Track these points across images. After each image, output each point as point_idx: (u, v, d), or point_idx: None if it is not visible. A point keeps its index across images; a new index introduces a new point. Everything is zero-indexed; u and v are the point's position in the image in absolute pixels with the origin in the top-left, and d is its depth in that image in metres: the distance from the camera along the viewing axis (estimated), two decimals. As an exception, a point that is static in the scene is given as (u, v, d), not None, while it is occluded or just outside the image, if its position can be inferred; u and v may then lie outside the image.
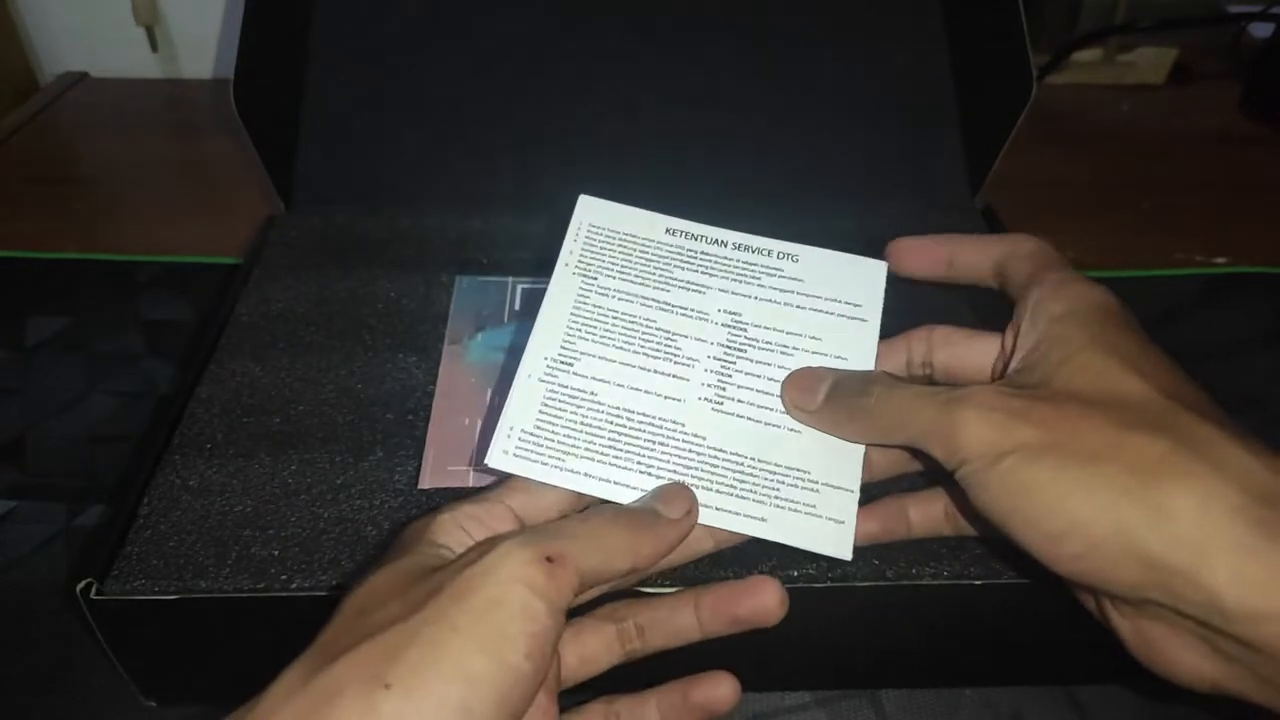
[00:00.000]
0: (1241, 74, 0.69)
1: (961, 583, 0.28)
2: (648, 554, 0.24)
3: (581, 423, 0.27)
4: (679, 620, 0.27)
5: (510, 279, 0.41)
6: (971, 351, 0.28)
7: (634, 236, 0.31)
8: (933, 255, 0.29)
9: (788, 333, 0.30)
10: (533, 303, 0.37)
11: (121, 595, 0.28)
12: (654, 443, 0.27)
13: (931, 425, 0.24)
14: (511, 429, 0.27)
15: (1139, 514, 0.21)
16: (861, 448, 0.28)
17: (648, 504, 0.25)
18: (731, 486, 0.27)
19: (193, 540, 0.29)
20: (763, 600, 0.26)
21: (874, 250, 0.31)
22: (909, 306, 0.30)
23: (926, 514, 0.29)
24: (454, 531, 0.23)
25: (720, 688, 0.26)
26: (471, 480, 0.32)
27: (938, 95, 0.49)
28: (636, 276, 0.30)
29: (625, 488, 0.26)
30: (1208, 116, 0.67)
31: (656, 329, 0.29)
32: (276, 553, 0.29)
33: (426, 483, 0.31)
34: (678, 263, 0.31)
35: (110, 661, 0.29)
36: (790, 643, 0.31)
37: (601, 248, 0.31)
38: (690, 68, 0.49)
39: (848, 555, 0.26)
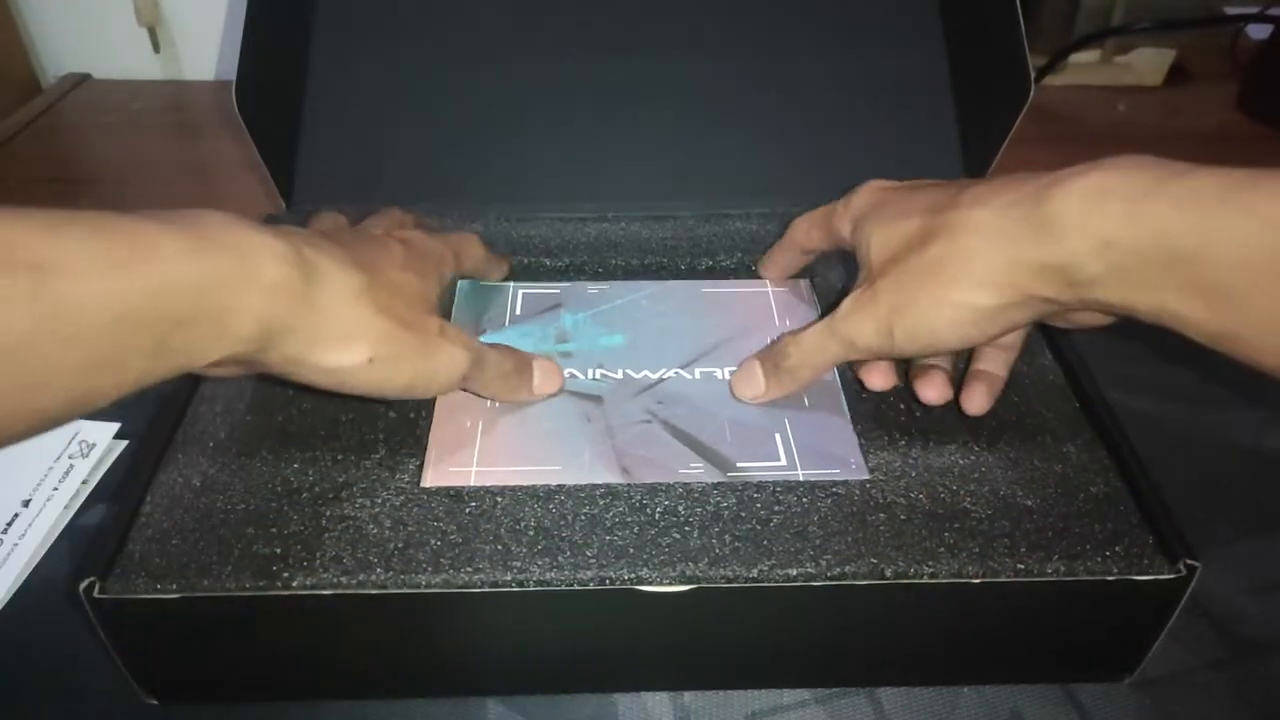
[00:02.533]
0: (1239, 75, 0.69)
1: (961, 582, 0.28)
2: (505, 399, 0.35)
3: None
4: None
5: (511, 284, 0.41)
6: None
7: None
8: (785, 262, 0.41)
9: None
10: (533, 307, 0.40)
11: (124, 594, 0.28)
12: None
13: (837, 348, 0.33)
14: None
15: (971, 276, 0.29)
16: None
17: (530, 365, 0.35)
18: None
19: (195, 539, 0.29)
20: None
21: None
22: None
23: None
24: (440, 274, 0.35)
25: None
26: (474, 480, 0.32)
27: (936, 96, 0.49)
28: None
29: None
30: (1205, 117, 0.67)
31: None
32: (279, 551, 0.29)
33: (429, 481, 0.32)
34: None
35: (113, 660, 0.29)
36: (789, 641, 0.31)
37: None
38: (690, 68, 0.49)
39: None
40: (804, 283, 0.42)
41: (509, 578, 0.28)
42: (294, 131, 0.48)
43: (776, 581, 0.28)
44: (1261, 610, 0.35)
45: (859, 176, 0.36)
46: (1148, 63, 0.71)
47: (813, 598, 0.29)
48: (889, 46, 0.50)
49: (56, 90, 0.69)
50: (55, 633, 0.33)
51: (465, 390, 0.33)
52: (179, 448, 0.33)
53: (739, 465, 0.32)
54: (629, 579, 0.28)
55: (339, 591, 0.28)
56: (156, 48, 0.70)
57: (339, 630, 0.30)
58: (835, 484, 0.31)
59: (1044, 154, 0.61)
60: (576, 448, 0.33)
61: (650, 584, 0.28)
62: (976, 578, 0.28)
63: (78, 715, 0.31)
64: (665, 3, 0.49)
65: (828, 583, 0.28)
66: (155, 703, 0.31)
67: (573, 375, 0.36)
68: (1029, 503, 0.31)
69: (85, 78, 0.71)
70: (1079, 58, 0.70)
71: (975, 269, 0.29)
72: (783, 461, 0.32)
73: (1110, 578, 0.28)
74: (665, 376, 0.36)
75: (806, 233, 0.38)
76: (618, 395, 0.35)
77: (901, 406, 0.35)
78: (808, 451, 0.33)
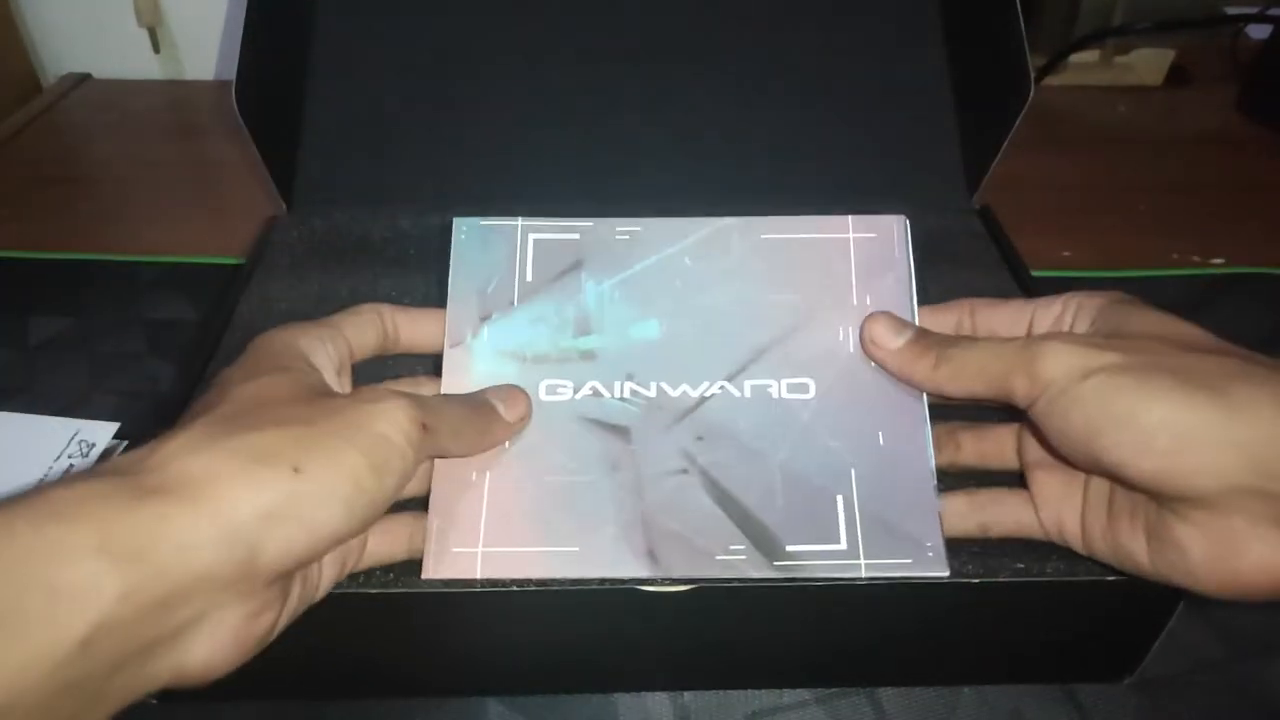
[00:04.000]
0: (1239, 75, 0.69)
1: (961, 581, 0.28)
2: (482, 445, 0.29)
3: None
4: None
5: (519, 222, 0.33)
6: (1005, 317, 0.30)
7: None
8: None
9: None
10: (547, 266, 0.32)
11: (125, 593, 0.28)
12: None
13: (1014, 362, 0.26)
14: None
15: (1227, 408, 0.23)
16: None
17: (488, 399, 0.29)
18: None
19: (196, 539, 0.29)
20: None
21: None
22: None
23: (950, 510, 0.29)
24: (319, 354, 0.28)
25: None
26: (480, 568, 0.28)
27: (936, 96, 0.49)
28: None
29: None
30: (1205, 118, 0.67)
31: None
32: (279, 551, 0.29)
33: (429, 572, 0.28)
34: None
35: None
36: (789, 641, 0.31)
37: None
38: (690, 69, 0.49)
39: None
40: (898, 223, 0.32)
41: (508, 578, 0.28)
42: (295, 132, 0.48)
43: (777, 582, 0.28)
44: (1261, 611, 0.35)
45: (859, 176, 0.36)
46: (1148, 63, 0.71)
47: (813, 598, 0.29)
48: (889, 47, 0.50)
49: (56, 90, 0.69)
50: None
51: (436, 456, 0.28)
52: (179, 447, 0.33)
53: (789, 550, 0.28)
54: (630, 579, 0.28)
55: (339, 592, 0.28)
56: (157, 48, 0.70)
57: (339, 631, 0.29)
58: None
59: (1044, 155, 0.61)
60: (599, 517, 0.28)
61: (651, 584, 0.28)
62: (976, 577, 0.28)
63: (78, 715, 0.31)
64: (666, 9, 0.49)
65: (828, 583, 0.28)
66: (154, 702, 0.31)
67: (596, 393, 0.30)
68: (1029, 502, 0.31)
69: (85, 78, 0.71)
70: (1079, 58, 0.70)
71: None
72: (843, 545, 0.28)
73: (1110, 578, 0.28)
74: (708, 395, 0.30)
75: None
76: (649, 427, 0.29)
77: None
78: (874, 528, 0.28)
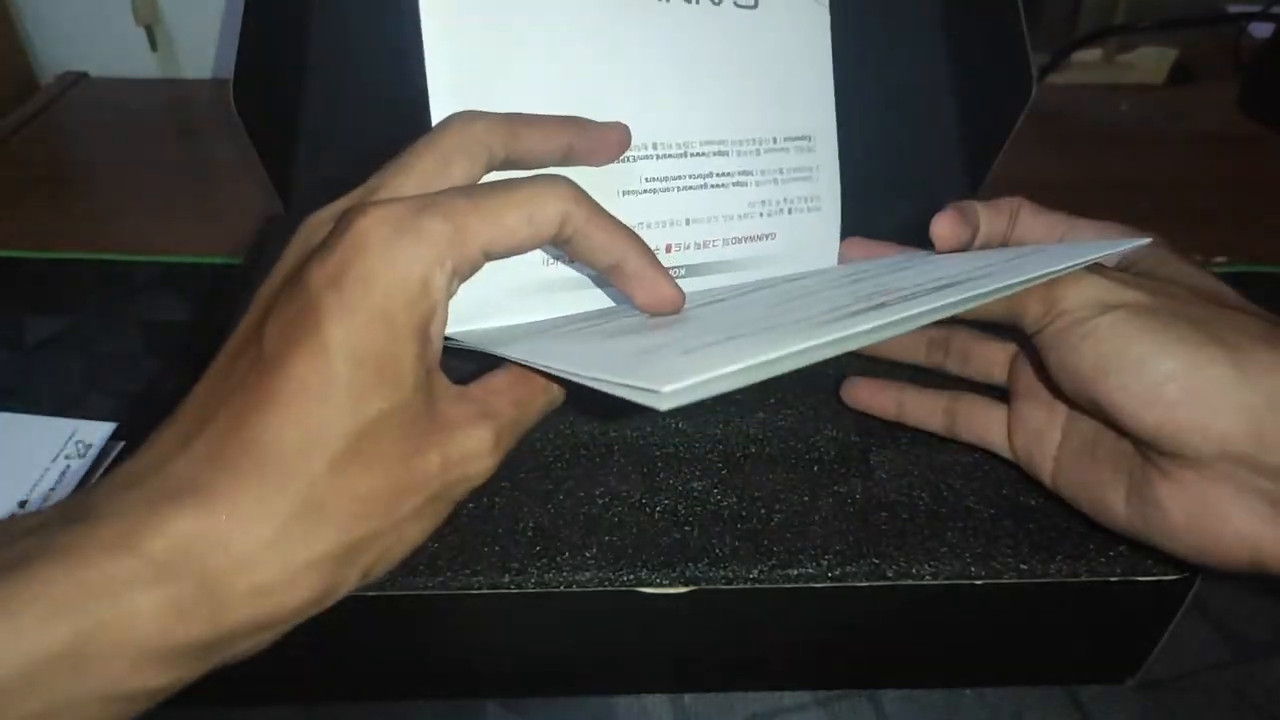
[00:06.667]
0: (1241, 74, 0.69)
1: (961, 583, 0.28)
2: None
3: None
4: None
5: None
6: (1042, 229, 0.30)
7: None
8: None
9: None
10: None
11: (120, 595, 0.27)
12: None
13: (1032, 285, 0.24)
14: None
15: (1243, 368, 0.22)
16: None
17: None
18: None
19: (192, 540, 0.29)
20: None
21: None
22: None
23: (922, 404, 0.31)
24: (443, 290, 0.22)
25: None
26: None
27: (937, 94, 0.49)
28: None
29: None
30: (1207, 116, 0.67)
31: None
32: (276, 553, 0.29)
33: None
34: None
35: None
36: (790, 642, 0.31)
37: None
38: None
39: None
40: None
41: (507, 579, 0.28)
42: (293, 131, 0.48)
43: (777, 582, 0.28)
44: (1264, 612, 0.34)
45: (860, 175, 0.36)
46: (1150, 62, 0.71)
47: (813, 598, 0.28)
48: (890, 45, 0.49)
49: (53, 89, 0.69)
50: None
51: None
52: (176, 448, 0.32)
53: None
54: (628, 580, 0.28)
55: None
56: (154, 46, 0.70)
57: (336, 633, 0.29)
58: (836, 481, 0.31)
59: (1045, 153, 0.61)
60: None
61: (650, 585, 0.28)
62: (979, 578, 0.28)
63: (74, 717, 0.31)
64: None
65: (829, 584, 0.28)
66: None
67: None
68: (1032, 502, 0.30)
69: (82, 76, 0.71)
70: (1081, 56, 0.70)
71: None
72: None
73: (1114, 579, 0.28)
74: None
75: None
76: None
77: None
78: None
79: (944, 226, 0.29)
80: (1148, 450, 0.24)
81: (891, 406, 0.32)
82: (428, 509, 0.22)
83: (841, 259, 0.34)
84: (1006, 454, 0.30)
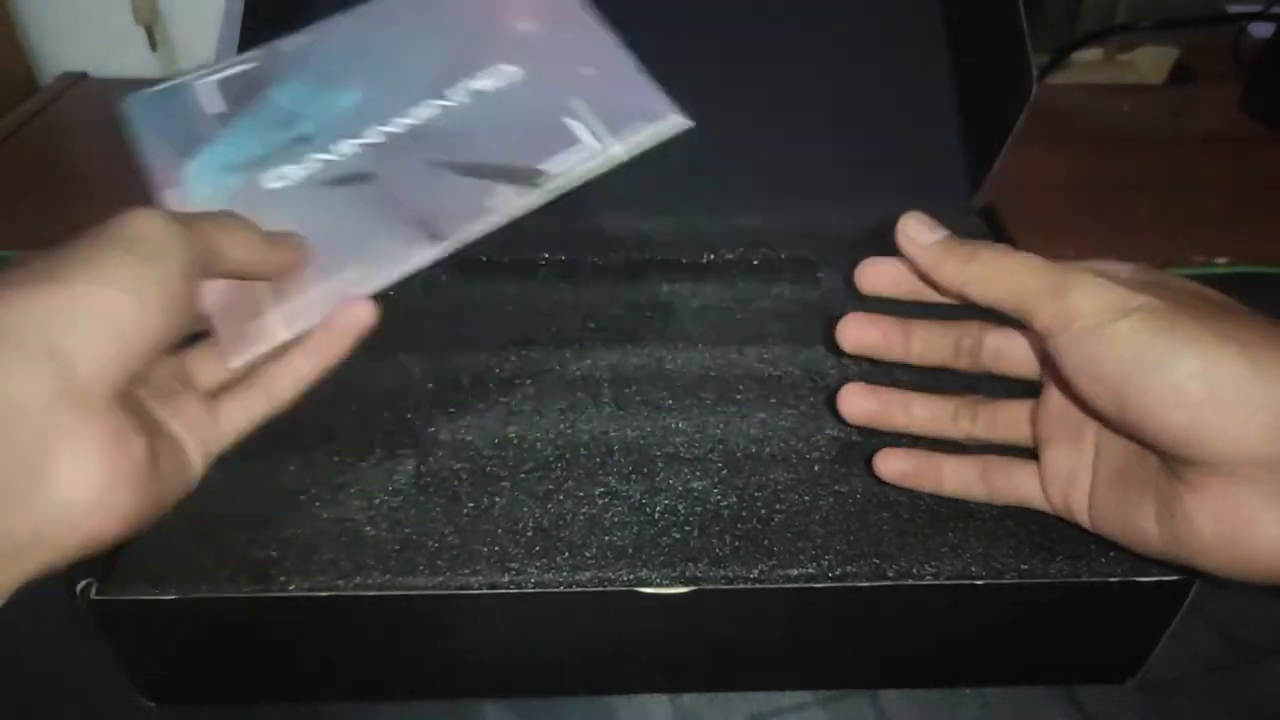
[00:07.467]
0: (1242, 74, 0.69)
1: (961, 583, 0.28)
2: (272, 256, 0.27)
3: None
4: None
5: (191, 77, 0.33)
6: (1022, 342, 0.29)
7: None
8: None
9: None
10: (233, 93, 0.33)
11: (121, 596, 0.28)
12: None
13: (1048, 282, 0.25)
14: None
15: (1258, 366, 0.22)
16: None
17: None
18: None
19: (192, 542, 0.29)
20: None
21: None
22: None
23: (961, 475, 0.30)
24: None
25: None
26: (283, 327, 0.27)
27: (938, 94, 0.49)
28: None
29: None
30: (1208, 116, 0.67)
31: None
32: (275, 554, 0.29)
33: (234, 361, 0.27)
34: None
35: (110, 662, 0.29)
36: (790, 643, 0.31)
37: None
38: (689, 67, 0.49)
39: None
40: None
41: (507, 579, 0.28)
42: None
43: (777, 582, 0.28)
44: (1263, 614, 0.34)
45: (859, 176, 0.36)
46: (1151, 61, 0.71)
47: (814, 598, 0.28)
48: (891, 45, 0.49)
49: (53, 89, 0.69)
50: (51, 635, 0.33)
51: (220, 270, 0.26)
52: (175, 448, 0.32)
53: (542, 169, 0.29)
54: (628, 580, 0.28)
55: (336, 594, 0.28)
56: (154, 46, 0.70)
57: (336, 633, 0.29)
58: (837, 481, 0.31)
59: (1045, 153, 0.61)
60: (373, 236, 0.29)
61: (650, 585, 0.28)
62: (980, 578, 0.28)
63: (75, 717, 0.31)
64: (666, 4, 0.49)
65: (829, 584, 0.28)
66: (152, 704, 0.31)
67: (328, 162, 0.30)
68: (1032, 503, 0.30)
69: (82, 76, 0.71)
70: (1081, 56, 0.70)
71: None
72: (592, 142, 0.30)
73: (1114, 580, 0.28)
74: (427, 118, 0.31)
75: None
76: (385, 161, 0.30)
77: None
78: (612, 119, 0.30)
79: (910, 226, 0.29)
80: (1173, 463, 0.24)
81: (934, 480, 0.31)
82: None
83: (844, 337, 0.31)
84: (1045, 507, 0.29)
